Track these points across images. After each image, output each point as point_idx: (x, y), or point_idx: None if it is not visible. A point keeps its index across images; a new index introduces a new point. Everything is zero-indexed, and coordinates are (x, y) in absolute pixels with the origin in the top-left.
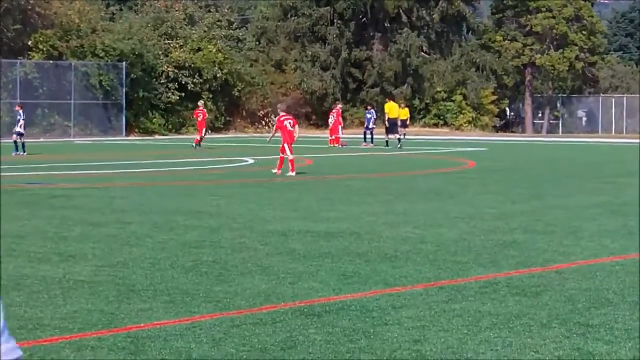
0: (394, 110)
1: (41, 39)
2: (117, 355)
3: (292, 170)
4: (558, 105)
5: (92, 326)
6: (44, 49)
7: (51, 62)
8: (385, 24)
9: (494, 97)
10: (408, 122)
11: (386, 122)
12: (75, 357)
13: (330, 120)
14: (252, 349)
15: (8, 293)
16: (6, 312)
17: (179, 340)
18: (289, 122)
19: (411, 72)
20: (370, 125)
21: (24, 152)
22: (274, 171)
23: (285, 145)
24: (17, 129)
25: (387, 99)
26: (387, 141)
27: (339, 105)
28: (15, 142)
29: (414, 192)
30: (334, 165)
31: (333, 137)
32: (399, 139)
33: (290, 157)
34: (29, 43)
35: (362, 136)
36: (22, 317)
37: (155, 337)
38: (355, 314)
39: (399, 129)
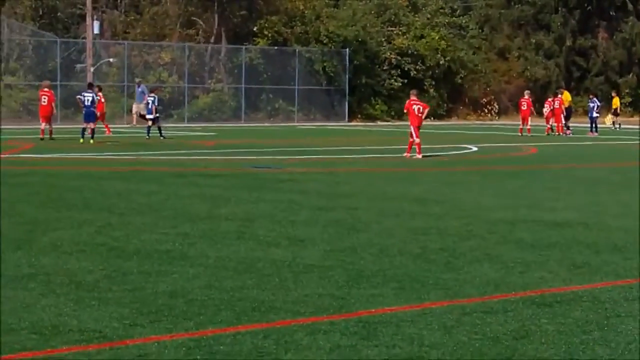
0: (568, 99)
1: (266, 25)
2: (349, 340)
3: (419, 153)
4: None
5: (324, 310)
6: (269, 34)
7: (276, 47)
8: (611, 12)
9: None
10: (619, 110)
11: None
12: (308, 341)
13: (545, 109)
14: (483, 338)
15: (240, 275)
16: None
17: (410, 326)
18: (417, 107)
19: (637, 61)
20: (594, 114)
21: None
22: (404, 155)
23: (412, 129)
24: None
25: (612, 90)
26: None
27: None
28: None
29: None
30: (559, 154)
31: (554, 125)
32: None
33: (417, 140)
34: (255, 29)
35: (589, 125)
36: (255, 300)
37: (387, 322)
38: (587, 305)
39: (614, 117)
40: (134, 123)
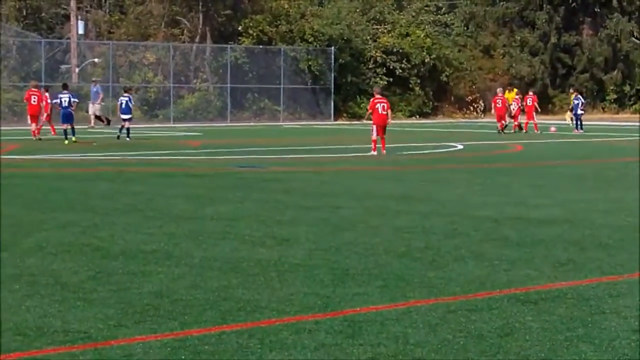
0: (512, 97)
1: (251, 24)
2: (334, 339)
3: (374, 150)
4: None
5: (309, 309)
6: (254, 34)
7: (261, 47)
8: (595, 9)
9: None
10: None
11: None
12: (293, 340)
13: (513, 106)
14: (468, 335)
15: (225, 275)
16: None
17: (395, 324)
18: (382, 105)
19: (622, 57)
20: (579, 112)
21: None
22: (382, 153)
23: (373, 127)
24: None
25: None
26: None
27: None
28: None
29: (627, 179)
30: (545, 152)
31: (518, 122)
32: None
33: (373, 137)
34: (239, 28)
35: (574, 123)
36: (240, 300)
37: (372, 321)
38: (571, 302)
39: (571, 114)
40: (92, 124)
